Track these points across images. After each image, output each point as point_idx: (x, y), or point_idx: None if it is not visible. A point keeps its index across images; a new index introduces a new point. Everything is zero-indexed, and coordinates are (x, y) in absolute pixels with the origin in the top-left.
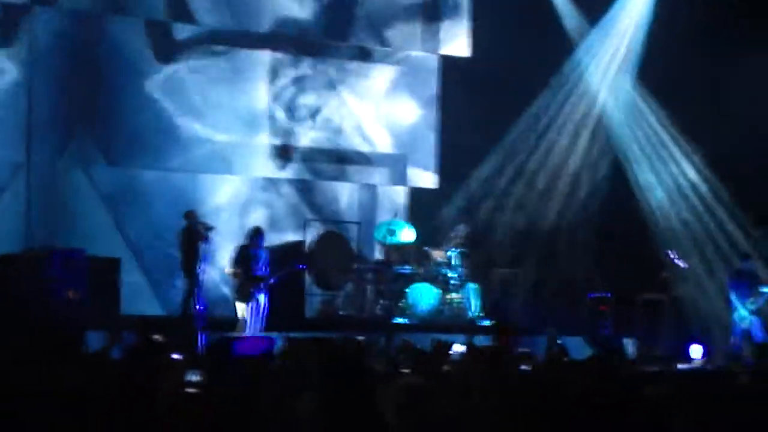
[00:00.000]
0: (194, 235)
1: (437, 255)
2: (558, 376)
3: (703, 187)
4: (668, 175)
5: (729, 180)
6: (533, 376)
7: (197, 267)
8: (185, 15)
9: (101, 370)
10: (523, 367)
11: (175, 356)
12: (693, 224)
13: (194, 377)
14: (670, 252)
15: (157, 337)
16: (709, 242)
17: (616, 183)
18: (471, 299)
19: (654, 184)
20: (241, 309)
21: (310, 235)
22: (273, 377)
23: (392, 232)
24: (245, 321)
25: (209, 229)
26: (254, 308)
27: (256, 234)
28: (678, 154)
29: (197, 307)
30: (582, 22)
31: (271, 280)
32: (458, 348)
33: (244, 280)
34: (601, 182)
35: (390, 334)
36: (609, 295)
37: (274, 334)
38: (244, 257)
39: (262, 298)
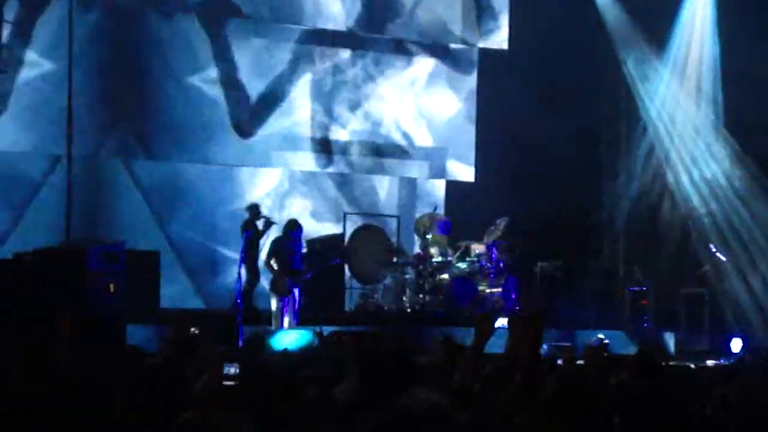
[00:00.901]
0: (251, 228)
1: (477, 248)
2: (600, 371)
3: (742, 182)
4: (708, 169)
5: None
6: (574, 371)
7: (250, 260)
8: (224, 8)
9: (140, 362)
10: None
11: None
12: (733, 218)
13: (232, 370)
14: (711, 246)
15: (194, 330)
16: (751, 236)
17: (658, 178)
18: (511, 292)
19: (694, 180)
20: (276, 303)
21: (349, 229)
22: (309, 370)
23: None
24: (280, 315)
25: (270, 224)
26: (289, 302)
27: (293, 227)
28: (720, 150)
29: (237, 300)
30: (621, 15)
31: (307, 275)
32: (502, 322)
33: (280, 274)
34: (642, 177)
35: (430, 328)
36: (647, 288)
37: (310, 328)
38: (281, 251)
39: (297, 292)
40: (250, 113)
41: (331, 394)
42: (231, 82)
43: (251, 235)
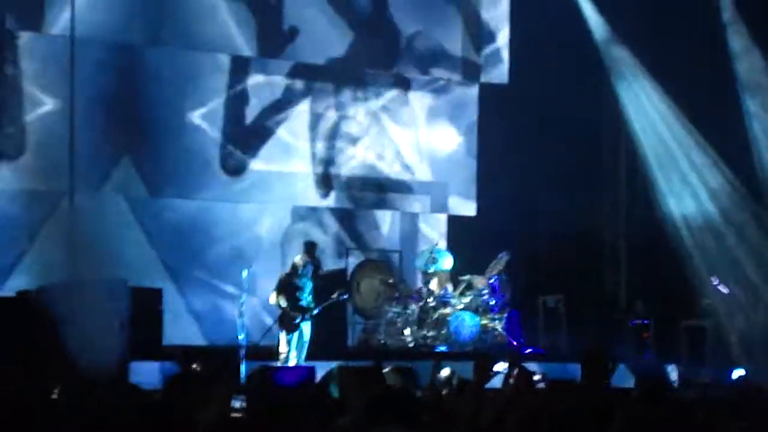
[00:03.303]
0: (296, 266)
1: (479, 283)
2: (605, 403)
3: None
4: (704, 201)
5: None
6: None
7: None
8: (226, 45)
9: (142, 399)
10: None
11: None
12: (736, 249)
13: (237, 403)
14: (712, 278)
15: (195, 366)
16: (754, 267)
17: (658, 210)
18: (514, 327)
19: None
20: (284, 339)
21: (352, 264)
22: (313, 405)
23: (434, 260)
24: (288, 351)
25: (307, 265)
26: (297, 338)
27: (301, 263)
28: (717, 182)
29: (240, 336)
30: (619, 49)
31: (315, 311)
32: (501, 366)
33: (288, 310)
34: (643, 210)
35: (436, 363)
36: (650, 321)
37: (315, 363)
38: (289, 287)
39: (306, 328)
40: (249, 150)
41: (333, 426)
42: (232, 119)
43: (291, 272)
